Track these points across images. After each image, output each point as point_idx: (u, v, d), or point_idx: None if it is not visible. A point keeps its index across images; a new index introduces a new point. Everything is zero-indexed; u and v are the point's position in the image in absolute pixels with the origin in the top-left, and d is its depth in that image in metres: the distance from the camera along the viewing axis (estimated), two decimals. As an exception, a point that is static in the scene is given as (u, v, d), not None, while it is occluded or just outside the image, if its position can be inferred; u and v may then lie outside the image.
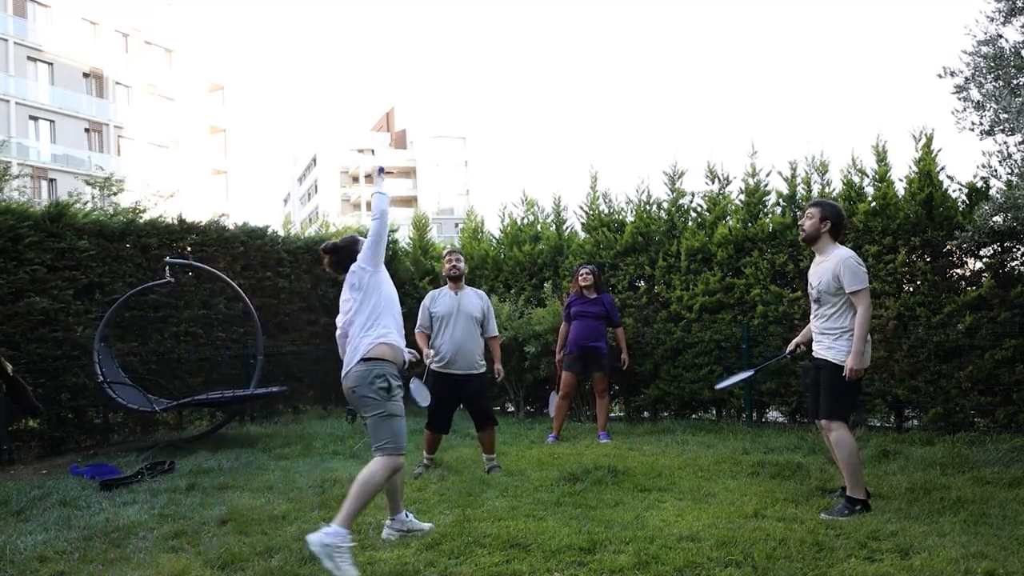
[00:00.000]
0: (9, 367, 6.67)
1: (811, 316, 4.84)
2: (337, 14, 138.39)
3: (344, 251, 4.28)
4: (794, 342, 5.19)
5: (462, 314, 5.95)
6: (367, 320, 4.03)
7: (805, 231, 4.77)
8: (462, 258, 6.21)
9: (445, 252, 6.36)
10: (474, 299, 6.09)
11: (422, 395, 5.54)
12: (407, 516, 4.33)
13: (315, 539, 3.60)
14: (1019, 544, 3.83)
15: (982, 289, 6.86)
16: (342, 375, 4.12)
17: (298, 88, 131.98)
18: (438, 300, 6.05)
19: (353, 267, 4.14)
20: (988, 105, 6.05)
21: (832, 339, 4.61)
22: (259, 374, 8.20)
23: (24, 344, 7.22)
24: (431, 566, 3.82)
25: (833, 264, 4.56)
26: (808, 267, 7.68)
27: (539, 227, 10.04)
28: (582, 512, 4.68)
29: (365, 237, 4.24)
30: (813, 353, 4.79)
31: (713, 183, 8.76)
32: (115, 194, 20.98)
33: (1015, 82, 6.00)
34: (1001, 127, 6.02)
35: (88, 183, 22.36)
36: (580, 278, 7.71)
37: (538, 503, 4.94)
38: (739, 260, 8.27)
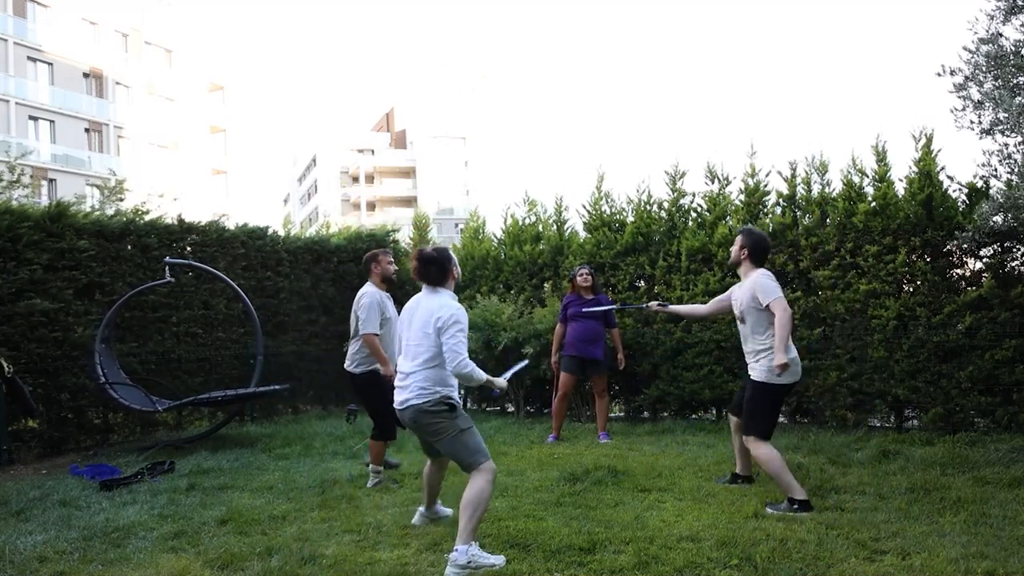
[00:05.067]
0: (6, 366, 6.69)
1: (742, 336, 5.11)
2: (337, 14, 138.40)
3: (436, 265, 4.11)
4: (652, 304, 5.84)
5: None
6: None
7: (730, 257, 5.23)
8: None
9: (381, 253, 6.03)
10: None
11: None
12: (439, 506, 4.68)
13: (452, 571, 3.69)
14: (1019, 544, 3.83)
15: (982, 289, 6.85)
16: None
17: (298, 88, 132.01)
18: (388, 308, 5.81)
19: (446, 316, 3.92)
20: (988, 104, 6.04)
21: (753, 358, 4.91)
22: (259, 374, 8.20)
23: (24, 344, 7.22)
24: (431, 566, 3.82)
25: (749, 284, 4.91)
26: (807, 268, 7.74)
27: (540, 227, 10.04)
28: (582, 512, 4.68)
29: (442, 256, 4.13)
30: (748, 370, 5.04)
31: (713, 183, 8.75)
32: (121, 200, 20.98)
33: (1015, 81, 5.99)
34: (1001, 126, 6.01)
35: (94, 185, 22.35)
36: (580, 279, 7.69)
37: (538, 503, 4.94)
38: (739, 260, 8.26)
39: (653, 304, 5.83)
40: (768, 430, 4.88)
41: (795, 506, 4.61)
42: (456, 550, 3.71)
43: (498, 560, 3.79)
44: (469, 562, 3.68)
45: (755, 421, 4.87)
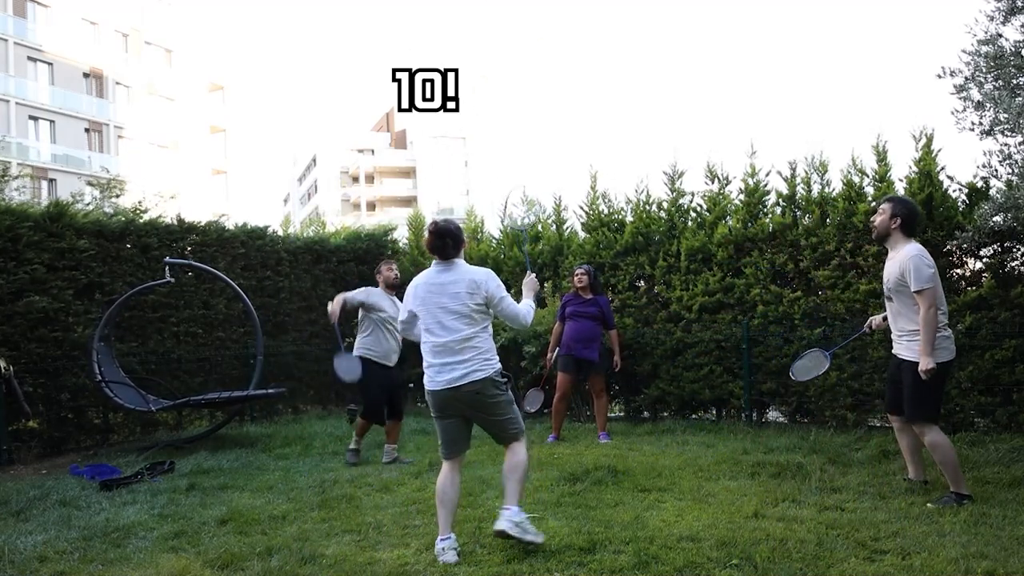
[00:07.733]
0: (3, 366, 6.69)
1: (887, 313, 4.90)
2: (337, 15, 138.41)
3: (451, 238, 4.09)
4: (873, 320, 5.19)
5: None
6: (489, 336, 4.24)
7: (876, 227, 4.80)
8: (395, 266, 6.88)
9: (382, 263, 6.86)
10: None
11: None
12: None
13: (503, 524, 3.92)
14: (1019, 544, 3.83)
15: (982, 289, 6.85)
16: (458, 380, 3.98)
17: (298, 88, 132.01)
18: (382, 302, 6.58)
19: (487, 290, 4.05)
20: (988, 105, 6.04)
21: (905, 337, 4.67)
22: (259, 374, 8.20)
23: (24, 344, 7.22)
24: (431, 566, 3.82)
25: (900, 261, 4.59)
26: (807, 268, 7.74)
27: (539, 227, 10.03)
28: (582, 512, 4.68)
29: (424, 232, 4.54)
30: (893, 351, 4.86)
31: (713, 183, 8.75)
32: (118, 196, 20.91)
33: (1015, 82, 5.99)
34: (1001, 127, 6.00)
35: (91, 183, 22.32)
36: (576, 278, 7.69)
37: (538, 503, 4.93)
38: (739, 260, 8.27)
39: (875, 319, 5.21)
40: (935, 412, 4.68)
41: (964, 501, 4.53)
42: (508, 509, 3.97)
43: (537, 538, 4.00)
44: (520, 522, 3.94)
45: (919, 404, 4.61)
